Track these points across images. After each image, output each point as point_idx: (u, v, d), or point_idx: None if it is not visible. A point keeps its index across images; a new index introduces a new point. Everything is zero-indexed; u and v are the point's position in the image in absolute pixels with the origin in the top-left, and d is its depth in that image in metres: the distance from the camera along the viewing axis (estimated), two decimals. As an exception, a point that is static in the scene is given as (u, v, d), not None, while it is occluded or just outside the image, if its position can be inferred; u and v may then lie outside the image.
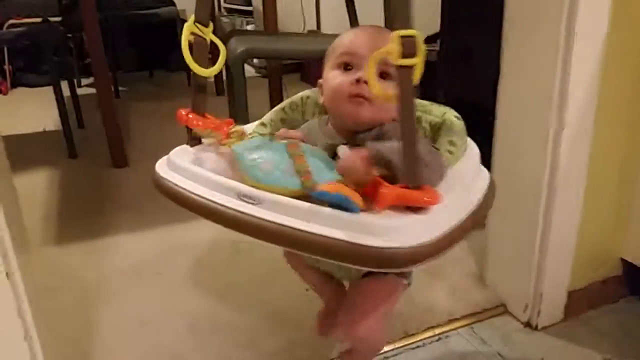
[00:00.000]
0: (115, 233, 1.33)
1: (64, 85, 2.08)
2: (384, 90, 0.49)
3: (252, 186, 0.52)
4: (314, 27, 3.14)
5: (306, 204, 0.49)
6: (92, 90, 2.81)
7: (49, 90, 1.89)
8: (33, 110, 2.58)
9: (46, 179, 1.72)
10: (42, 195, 1.58)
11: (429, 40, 1.99)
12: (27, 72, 3.24)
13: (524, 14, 0.84)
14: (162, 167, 0.63)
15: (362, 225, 0.46)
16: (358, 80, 0.59)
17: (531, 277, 0.93)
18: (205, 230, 1.33)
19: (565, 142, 0.81)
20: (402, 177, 0.48)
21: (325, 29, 3.00)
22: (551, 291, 0.93)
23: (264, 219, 0.49)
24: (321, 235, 0.46)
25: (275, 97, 1.87)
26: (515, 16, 0.86)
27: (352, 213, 0.47)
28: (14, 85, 3.30)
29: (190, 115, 0.63)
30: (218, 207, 0.53)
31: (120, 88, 3.07)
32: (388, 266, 0.47)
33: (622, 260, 1.01)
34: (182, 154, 0.63)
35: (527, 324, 0.96)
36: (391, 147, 0.49)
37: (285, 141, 0.58)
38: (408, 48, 0.44)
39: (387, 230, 0.46)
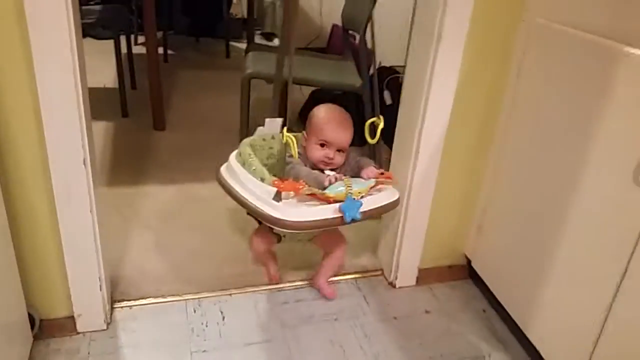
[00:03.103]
0: (148, 183, 1.93)
1: (123, 43, 2.54)
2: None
3: (333, 197, 1.10)
4: None
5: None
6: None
7: (111, 45, 2.39)
8: (97, 64, 3.08)
9: (102, 132, 2.32)
10: (98, 146, 2.18)
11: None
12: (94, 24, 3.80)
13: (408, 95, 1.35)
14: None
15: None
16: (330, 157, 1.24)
17: (394, 254, 1.47)
18: (212, 190, 1.91)
19: (417, 173, 1.34)
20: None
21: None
22: (405, 265, 1.48)
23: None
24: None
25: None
26: (403, 109, 1.37)
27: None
28: (83, 35, 3.89)
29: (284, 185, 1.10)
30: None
31: (169, 52, 3.64)
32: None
33: (465, 254, 1.54)
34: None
35: (390, 284, 1.51)
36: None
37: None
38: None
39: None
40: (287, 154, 1.22)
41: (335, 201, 1.11)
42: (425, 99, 1.27)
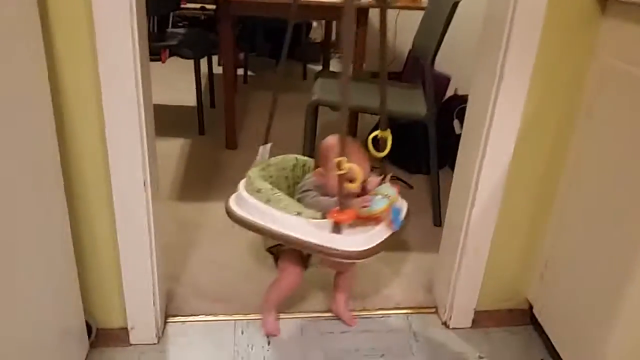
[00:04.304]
0: (215, 200, 1.99)
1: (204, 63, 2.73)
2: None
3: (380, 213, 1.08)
4: None
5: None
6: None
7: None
8: (182, 83, 3.26)
9: (179, 149, 2.45)
10: (173, 161, 2.31)
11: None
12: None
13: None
14: None
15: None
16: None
17: (449, 292, 1.41)
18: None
19: (476, 210, 1.28)
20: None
21: None
22: (461, 305, 1.41)
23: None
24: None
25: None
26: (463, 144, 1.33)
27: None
28: (171, 54, 4.15)
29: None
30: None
31: (249, 73, 3.79)
32: None
33: (527, 299, 1.44)
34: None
35: (444, 323, 1.45)
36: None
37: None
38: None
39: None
40: (303, 184, 1.24)
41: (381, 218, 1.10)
42: (485, 139, 1.21)
